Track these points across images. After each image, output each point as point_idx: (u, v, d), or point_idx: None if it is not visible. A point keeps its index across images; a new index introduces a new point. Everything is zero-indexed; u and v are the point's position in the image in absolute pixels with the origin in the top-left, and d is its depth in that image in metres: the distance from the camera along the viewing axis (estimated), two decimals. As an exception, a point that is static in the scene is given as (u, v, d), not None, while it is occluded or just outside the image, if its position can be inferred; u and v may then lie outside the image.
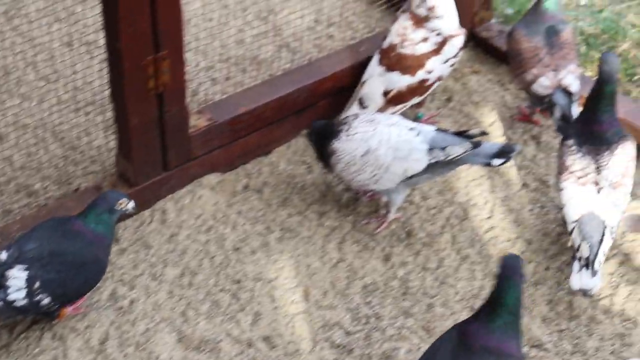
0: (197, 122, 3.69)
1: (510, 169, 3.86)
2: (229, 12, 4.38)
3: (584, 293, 3.28)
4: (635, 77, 4.29)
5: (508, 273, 2.75)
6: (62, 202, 3.57)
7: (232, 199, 3.75)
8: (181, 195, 3.71)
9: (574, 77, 3.81)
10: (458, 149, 3.41)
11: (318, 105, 3.92)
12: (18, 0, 4.43)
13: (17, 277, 3.09)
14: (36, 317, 3.27)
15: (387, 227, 3.65)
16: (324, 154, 3.57)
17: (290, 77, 3.97)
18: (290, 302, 3.40)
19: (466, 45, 4.15)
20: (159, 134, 3.53)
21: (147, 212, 3.65)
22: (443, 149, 3.41)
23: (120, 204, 3.25)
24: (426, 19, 3.81)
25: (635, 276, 3.48)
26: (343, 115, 3.83)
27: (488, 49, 4.36)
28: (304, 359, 3.24)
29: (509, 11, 4.63)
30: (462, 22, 3.92)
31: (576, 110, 3.74)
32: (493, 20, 4.43)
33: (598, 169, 3.42)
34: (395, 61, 3.82)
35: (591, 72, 4.22)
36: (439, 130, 3.51)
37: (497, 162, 3.45)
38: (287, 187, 3.81)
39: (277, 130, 3.91)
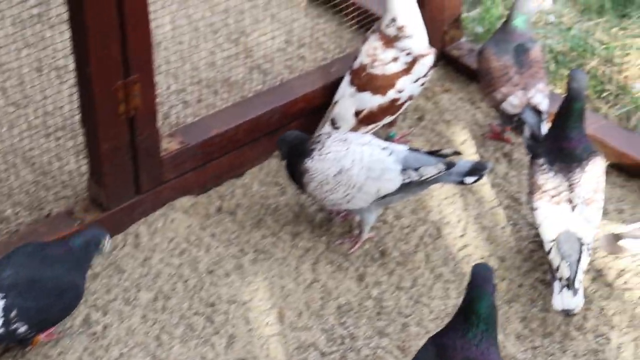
0: (169, 145, 3.69)
1: (483, 186, 3.88)
2: (199, 34, 4.38)
3: (567, 313, 3.30)
4: (604, 94, 4.32)
5: (479, 282, 2.75)
6: (34, 227, 3.55)
7: (206, 221, 3.74)
8: (154, 218, 3.70)
9: (543, 96, 3.84)
10: (432, 169, 3.42)
11: (290, 126, 3.92)
12: (-14, 26, 4.42)
13: (-7, 306, 3.07)
14: (8, 344, 3.24)
15: (361, 247, 3.66)
16: (296, 173, 3.57)
17: (261, 98, 3.97)
18: (265, 324, 3.39)
19: (437, 64, 4.18)
20: (130, 158, 3.52)
21: (119, 237, 3.63)
22: (416, 169, 3.43)
23: (104, 244, 3.28)
24: (396, 38, 3.83)
25: (607, 292, 3.50)
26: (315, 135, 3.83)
27: (459, 68, 4.38)
28: (279, 382, 3.23)
29: (479, 30, 4.67)
30: (433, 41, 3.95)
31: (546, 128, 3.77)
32: (463, 39, 4.45)
33: (571, 187, 3.44)
34: (366, 81, 3.84)
35: (560, 90, 4.25)
36: (411, 149, 3.52)
37: (469, 179, 3.47)
38: (261, 209, 3.80)
39: (249, 152, 3.91)
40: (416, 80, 3.86)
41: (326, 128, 3.87)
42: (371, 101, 3.84)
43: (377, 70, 3.84)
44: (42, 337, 3.25)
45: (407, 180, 3.44)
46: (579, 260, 3.31)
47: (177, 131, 3.79)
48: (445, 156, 3.48)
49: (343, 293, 3.51)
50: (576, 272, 3.29)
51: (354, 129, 3.84)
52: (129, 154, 3.51)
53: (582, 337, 3.36)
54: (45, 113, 3.98)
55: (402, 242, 3.68)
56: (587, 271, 3.54)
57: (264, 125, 3.90)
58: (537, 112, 3.82)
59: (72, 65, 3.39)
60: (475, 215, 3.78)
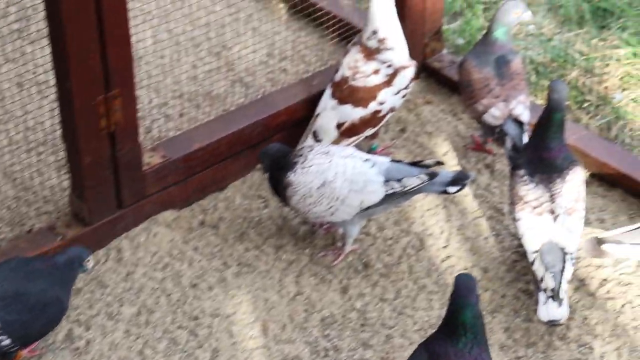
0: (151, 159, 3.68)
1: (465, 197, 3.89)
2: (181, 48, 4.38)
3: (552, 324, 3.31)
4: (585, 105, 4.35)
5: (462, 293, 2.75)
6: (15, 243, 3.53)
7: (188, 235, 3.74)
8: (136, 233, 3.69)
9: (524, 107, 3.85)
10: (414, 180, 3.43)
11: (272, 139, 3.92)
12: (-33, 42, 4.40)
13: (-23, 319, 3.06)
14: (-9, 360, 3.23)
15: (344, 259, 3.66)
16: (279, 186, 3.57)
17: (244, 112, 3.97)
18: (249, 337, 3.39)
19: (418, 76, 4.19)
20: (112, 172, 3.52)
21: (102, 251, 3.62)
22: (399, 180, 3.44)
23: (88, 262, 3.28)
24: (377, 51, 3.84)
25: (590, 301, 3.51)
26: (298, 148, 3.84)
27: (440, 80, 4.40)
28: (263, 395, 3.23)
29: (460, 41, 4.68)
30: (414, 53, 3.96)
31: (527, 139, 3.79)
32: (444, 51, 4.47)
33: (552, 197, 3.46)
34: (347, 94, 3.85)
35: (541, 100, 4.26)
36: (393, 161, 3.53)
37: (452, 189, 3.48)
38: (244, 222, 3.80)
39: (232, 165, 3.91)
40: (397, 92, 3.87)
41: (308, 141, 3.87)
42: (353, 113, 3.85)
43: (359, 83, 3.85)
44: (25, 352, 3.24)
45: (390, 192, 3.44)
46: (562, 271, 3.33)
47: (159, 145, 3.79)
48: (427, 167, 3.50)
49: (327, 305, 3.51)
50: (560, 283, 3.31)
51: (336, 142, 3.84)
52: (111, 169, 3.50)
53: (566, 347, 3.37)
54: (27, 128, 3.97)
55: (385, 253, 3.68)
56: (570, 281, 3.55)
57: (246, 139, 3.90)
58: (519, 123, 3.83)
59: (53, 80, 3.38)
60: (458, 226, 3.79)
